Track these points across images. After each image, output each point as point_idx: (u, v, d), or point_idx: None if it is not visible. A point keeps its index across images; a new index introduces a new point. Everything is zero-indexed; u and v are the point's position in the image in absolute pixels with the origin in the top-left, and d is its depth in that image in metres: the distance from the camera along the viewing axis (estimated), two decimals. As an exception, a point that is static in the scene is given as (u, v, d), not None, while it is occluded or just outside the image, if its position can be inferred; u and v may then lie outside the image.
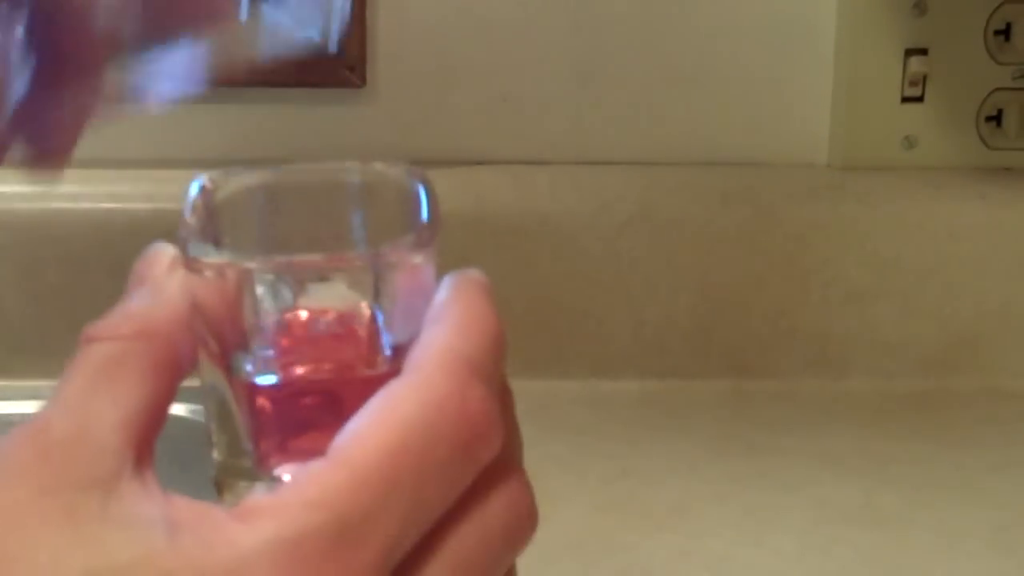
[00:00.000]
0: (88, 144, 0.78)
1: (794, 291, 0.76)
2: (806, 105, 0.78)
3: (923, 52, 0.76)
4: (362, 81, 0.76)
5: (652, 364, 0.76)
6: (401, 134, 0.78)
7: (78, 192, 0.74)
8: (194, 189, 0.32)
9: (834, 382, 0.76)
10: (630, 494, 0.66)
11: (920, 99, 0.77)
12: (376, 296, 0.32)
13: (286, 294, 0.32)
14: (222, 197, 0.33)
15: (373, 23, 0.76)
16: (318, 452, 0.29)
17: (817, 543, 0.62)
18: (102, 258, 0.74)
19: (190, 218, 0.32)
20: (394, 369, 0.31)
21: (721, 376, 0.76)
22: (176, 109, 0.40)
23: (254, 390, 0.31)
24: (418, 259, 0.32)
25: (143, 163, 0.76)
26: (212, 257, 0.31)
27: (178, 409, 0.67)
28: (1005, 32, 0.76)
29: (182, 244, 0.32)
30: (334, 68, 0.76)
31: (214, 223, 0.32)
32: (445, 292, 0.32)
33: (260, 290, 0.32)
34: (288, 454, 0.31)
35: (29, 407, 0.71)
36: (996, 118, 0.78)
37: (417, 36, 0.76)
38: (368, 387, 0.30)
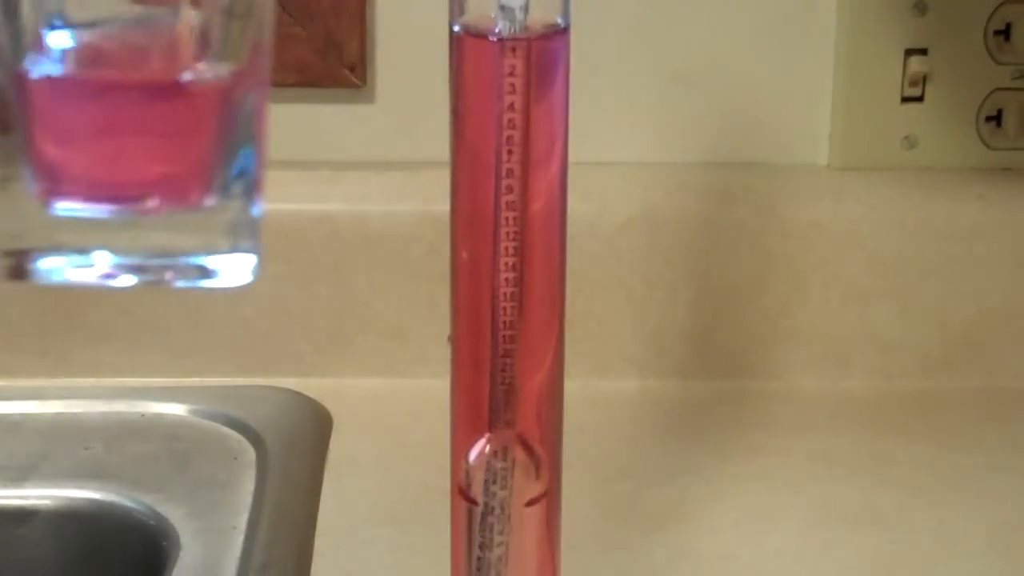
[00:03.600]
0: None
1: (794, 291, 0.76)
2: (806, 105, 0.78)
3: (923, 52, 0.76)
4: (362, 81, 0.76)
5: (652, 364, 0.76)
6: (401, 134, 0.78)
7: (78, 192, 0.74)
8: None
9: (834, 382, 0.76)
10: (630, 494, 0.66)
11: (920, 99, 0.77)
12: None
13: None
14: None
15: (373, 23, 0.76)
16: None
17: (817, 543, 0.62)
18: (102, 258, 0.74)
19: None
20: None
21: (721, 376, 0.76)
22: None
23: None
24: None
25: (143, 163, 0.76)
26: None
27: (177, 409, 0.68)
28: (1005, 32, 0.76)
29: None
30: (334, 68, 0.76)
31: None
32: None
33: None
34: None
35: (29, 407, 0.71)
36: (996, 118, 0.78)
37: (417, 36, 0.76)
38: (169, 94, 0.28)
